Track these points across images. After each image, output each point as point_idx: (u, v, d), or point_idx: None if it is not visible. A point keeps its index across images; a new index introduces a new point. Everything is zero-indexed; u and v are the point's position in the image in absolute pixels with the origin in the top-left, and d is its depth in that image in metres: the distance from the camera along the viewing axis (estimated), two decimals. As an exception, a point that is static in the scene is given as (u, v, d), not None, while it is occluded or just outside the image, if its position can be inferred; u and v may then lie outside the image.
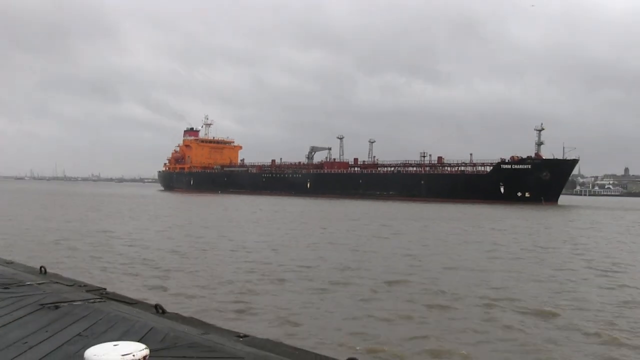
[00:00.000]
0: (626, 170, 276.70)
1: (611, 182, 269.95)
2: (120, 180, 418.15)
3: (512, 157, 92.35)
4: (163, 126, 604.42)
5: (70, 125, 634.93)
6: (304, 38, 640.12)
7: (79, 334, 4.61)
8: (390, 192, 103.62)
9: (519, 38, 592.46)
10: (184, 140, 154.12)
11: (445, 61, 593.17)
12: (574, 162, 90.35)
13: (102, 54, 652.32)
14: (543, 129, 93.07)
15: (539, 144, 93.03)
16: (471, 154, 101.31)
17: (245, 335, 4.82)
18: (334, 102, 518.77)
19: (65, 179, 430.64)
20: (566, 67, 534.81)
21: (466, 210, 65.90)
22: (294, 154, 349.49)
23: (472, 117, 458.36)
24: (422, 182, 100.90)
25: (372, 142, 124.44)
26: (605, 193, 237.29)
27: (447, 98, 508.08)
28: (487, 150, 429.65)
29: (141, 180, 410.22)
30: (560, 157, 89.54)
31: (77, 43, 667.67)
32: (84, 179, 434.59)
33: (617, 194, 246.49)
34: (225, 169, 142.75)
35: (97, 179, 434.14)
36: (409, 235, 32.12)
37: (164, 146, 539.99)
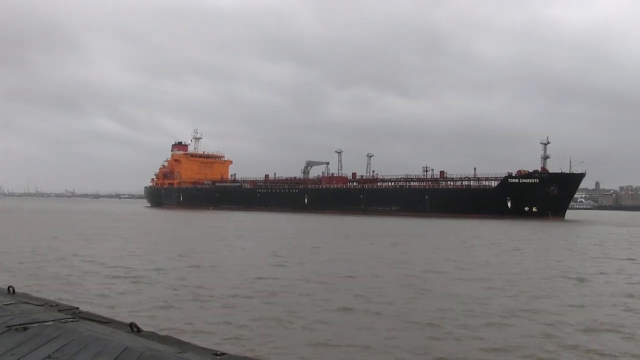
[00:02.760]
0: (597, 184, 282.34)
1: (583, 195, 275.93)
2: (96, 196, 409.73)
3: (519, 171, 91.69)
4: (136, 141, 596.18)
5: (39, 140, 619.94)
6: (273, 52, 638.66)
7: (48, 356, 4.44)
8: (393, 208, 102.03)
9: (486, 54, 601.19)
10: (172, 155, 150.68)
11: (414, 76, 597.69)
12: (580, 176, 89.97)
13: (64, 67, 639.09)
14: (549, 143, 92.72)
15: (545, 157, 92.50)
16: (475, 169, 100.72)
17: (223, 354, 4.72)
18: (305, 116, 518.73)
19: (38, 194, 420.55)
20: (533, 83, 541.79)
21: (481, 227, 64.51)
22: (269, 168, 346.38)
23: (443, 132, 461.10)
24: (427, 197, 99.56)
25: (370, 157, 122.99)
26: (577, 207, 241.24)
27: (419, 112, 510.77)
28: (462, 164, 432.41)
29: (117, 196, 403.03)
30: (566, 170, 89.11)
31: (35, 54, 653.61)
32: (58, 195, 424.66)
33: (589, 207, 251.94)
34: (216, 184, 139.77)
35: (71, 195, 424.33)
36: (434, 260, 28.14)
37: (138, 162, 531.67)
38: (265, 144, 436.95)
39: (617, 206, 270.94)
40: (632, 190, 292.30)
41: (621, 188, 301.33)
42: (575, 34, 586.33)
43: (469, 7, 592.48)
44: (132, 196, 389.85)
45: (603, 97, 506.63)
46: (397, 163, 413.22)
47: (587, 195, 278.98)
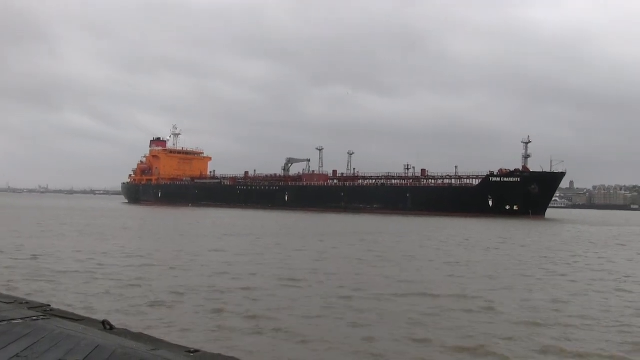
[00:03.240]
0: (571, 183, 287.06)
1: (558, 194, 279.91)
2: (70, 192, 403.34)
3: (501, 170, 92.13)
4: (111, 137, 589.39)
5: (10, 135, 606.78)
6: (249, 48, 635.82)
7: (17, 355, 4.35)
8: (375, 206, 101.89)
9: (461, 53, 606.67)
10: (150, 151, 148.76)
11: (391, 74, 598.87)
12: (561, 176, 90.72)
13: (35, 60, 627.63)
14: (530, 142, 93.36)
15: (526, 156, 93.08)
16: (456, 167, 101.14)
17: (196, 350, 4.69)
18: (282, 114, 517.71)
19: (9, 190, 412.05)
20: (509, 83, 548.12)
21: (467, 225, 64.70)
22: (245, 165, 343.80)
23: (420, 130, 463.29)
24: (408, 195, 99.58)
25: (351, 154, 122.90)
26: (552, 205, 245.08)
27: (395, 111, 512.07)
28: (438, 163, 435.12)
29: (92, 192, 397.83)
30: (547, 169, 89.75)
31: (3, 47, 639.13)
32: (31, 191, 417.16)
33: (563, 206, 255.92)
34: (196, 181, 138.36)
35: (44, 191, 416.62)
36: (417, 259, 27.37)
37: (113, 158, 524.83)
38: (241, 141, 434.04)
39: (590, 205, 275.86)
40: (604, 190, 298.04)
41: (594, 187, 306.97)
42: (550, 34, 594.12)
43: (444, 7, 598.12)
44: (107, 192, 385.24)
45: (577, 98, 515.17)
46: (374, 161, 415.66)
47: (562, 195, 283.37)
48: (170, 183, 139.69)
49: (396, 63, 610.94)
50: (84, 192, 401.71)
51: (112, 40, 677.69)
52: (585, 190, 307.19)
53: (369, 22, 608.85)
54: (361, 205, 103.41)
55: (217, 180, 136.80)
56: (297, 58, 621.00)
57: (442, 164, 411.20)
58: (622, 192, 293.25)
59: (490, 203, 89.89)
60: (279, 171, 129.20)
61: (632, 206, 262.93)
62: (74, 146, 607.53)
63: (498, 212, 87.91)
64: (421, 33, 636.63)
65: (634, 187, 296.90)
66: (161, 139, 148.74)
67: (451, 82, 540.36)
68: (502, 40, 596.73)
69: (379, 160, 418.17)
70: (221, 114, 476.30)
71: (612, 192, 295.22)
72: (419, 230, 53.21)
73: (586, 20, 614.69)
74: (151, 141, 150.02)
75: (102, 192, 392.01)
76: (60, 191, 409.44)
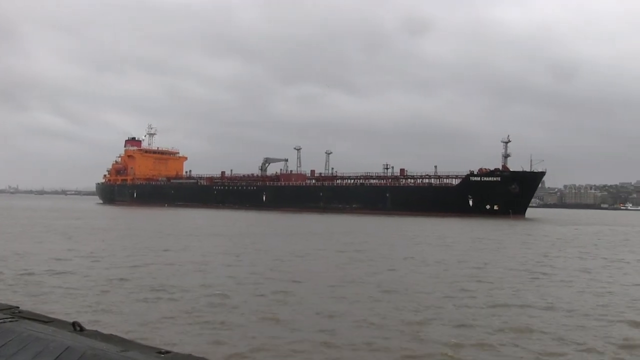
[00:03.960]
0: (542, 182, 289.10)
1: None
2: (41, 192, 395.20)
3: (481, 169, 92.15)
4: (81, 137, 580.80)
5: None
6: (219, 47, 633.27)
7: None
8: (354, 206, 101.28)
9: (430, 53, 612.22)
10: (125, 151, 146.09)
11: (360, 74, 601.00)
12: (541, 175, 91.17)
13: (2, 59, 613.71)
14: (509, 141, 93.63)
15: (506, 156, 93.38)
16: (436, 166, 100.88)
17: (167, 352, 4.65)
18: (253, 113, 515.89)
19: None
20: (478, 82, 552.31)
21: (452, 225, 64.44)
22: (217, 164, 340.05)
23: (391, 129, 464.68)
24: (388, 194, 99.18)
25: (329, 154, 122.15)
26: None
27: (365, 110, 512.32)
28: (409, 162, 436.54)
29: (63, 192, 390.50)
30: (527, 169, 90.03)
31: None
32: (0, 191, 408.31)
33: (534, 205, 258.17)
34: (172, 181, 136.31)
35: (14, 191, 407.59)
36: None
37: (84, 158, 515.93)
38: (213, 140, 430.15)
39: (561, 204, 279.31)
40: (575, 189, 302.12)
41: (565, 187, 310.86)
42: (518, 34, 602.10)
43: (412, 6, 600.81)
44: (79, 193, 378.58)
45: (545, 97, 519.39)
46: (348, 161, 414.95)
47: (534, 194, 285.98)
48: (145, 183, 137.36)
49: (365, 62, 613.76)
50: (55, 193, 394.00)
51: (82, 40, 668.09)
52: (556, 190, 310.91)
53: (337, 21, 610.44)
54: (340, 206, 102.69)
55: (193, 180, 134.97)
56: (267, 57, 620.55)
57: (414, 163, 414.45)
58: (593, 191, 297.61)
59: (471, 203, 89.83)
60: (254, 171, 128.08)
61: (602, 205, 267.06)
62: (43, 146, 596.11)
63: (478, 211, 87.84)
64: (389, 32, 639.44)
65: (604, 186, 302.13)
66: (136, 139, 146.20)
67: (420, 82, 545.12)
68: (470, 40, 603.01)
69: (352, 160, 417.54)
70: (193, 113, 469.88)
71: (582, 191, 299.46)
72: (397, 230, 52.76)
73: (552, 20, 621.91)
74: (126, 141, 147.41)
75: (73, 192, 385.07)
76: (30, 191, 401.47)
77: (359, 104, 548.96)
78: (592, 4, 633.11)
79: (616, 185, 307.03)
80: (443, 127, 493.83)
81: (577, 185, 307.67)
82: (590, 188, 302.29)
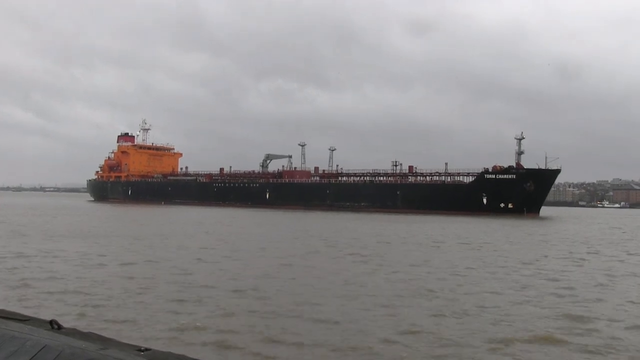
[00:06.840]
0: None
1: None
2: (19, 189, 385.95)
3: (495, 166, 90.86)
4: (53, 132, 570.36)
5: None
6: (185, 40, 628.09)
7: None
8: (362, 203, 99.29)
9: (403, 49, 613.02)
10: (119, 147, 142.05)
11: (332, 68, 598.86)
12: (556, 172, 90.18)
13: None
14: (523, 138, 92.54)
15: (519, 153, 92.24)
16: (446, 164, 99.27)
17: (147, 349, 4.51)
18: (225, 108, 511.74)
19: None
20: (452, 79, 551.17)
21: (476, 225, 62.57)
22: (193, 160, 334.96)
23: (366, 125, 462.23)
24: (399, 192, 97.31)
25: (333, 150, 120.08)
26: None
27: (340, 105, 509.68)
28: (384, 159, 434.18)
29: (42, 189, 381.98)
30: (542, 166, 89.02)
31: None
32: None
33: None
34: (168, 177, 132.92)
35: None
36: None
37: (57, 153, 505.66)
38: (187, 136, 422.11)
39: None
40: (554, 187, 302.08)
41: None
42: (487, 31, 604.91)
43: (381, 0, 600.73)
44: (57, 189, 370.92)
45: (517, 95, 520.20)
46: (324, 157, 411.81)
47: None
48: (140, 180, 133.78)
49: (337, 57, 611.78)
50: (34, 189, 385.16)
51: (41, 30, 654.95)
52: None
53: (304, 15, 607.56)
54: (348, 203, 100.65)
55: (192, 177, 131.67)
56: (237, 52, 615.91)
57: (387, 159, 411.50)
58: (571, 189, 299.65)
59: (485, 201, 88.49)
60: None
61: (580, 202, 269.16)
62: (15, 140, 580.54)
63: (492, 210, 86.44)
64: (359, 26, 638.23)
65: (582, 184, 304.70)
66: (129, 134, 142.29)
67: (393, 77, 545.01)
68: (441, 35, 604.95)
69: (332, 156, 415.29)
70: (165, 108, 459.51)
71: (561, 189, 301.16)
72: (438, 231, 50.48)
73: (522, 17, 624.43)
74: (119, 136, 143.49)
75: (52, 189, 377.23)
76: (7, 188, 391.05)
77: (333, 99, 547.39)
78: (558, 1, 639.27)
79: (593, 183, 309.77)
80: (415, 123, 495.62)
81: (555, 183, 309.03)
82: (569, 186, 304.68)
